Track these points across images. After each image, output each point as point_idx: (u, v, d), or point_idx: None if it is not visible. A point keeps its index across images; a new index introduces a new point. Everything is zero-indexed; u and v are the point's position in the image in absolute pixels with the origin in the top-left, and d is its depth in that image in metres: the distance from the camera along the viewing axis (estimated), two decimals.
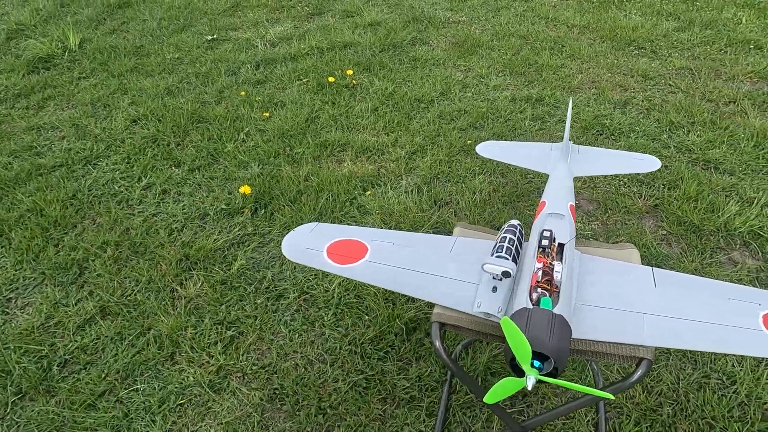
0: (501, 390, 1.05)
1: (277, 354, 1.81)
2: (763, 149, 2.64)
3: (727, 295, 1.17)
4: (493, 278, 1.20)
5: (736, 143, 2.69)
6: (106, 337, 1.89)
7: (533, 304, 1.10)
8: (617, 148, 2.71)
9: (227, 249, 2.23)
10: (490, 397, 1.06)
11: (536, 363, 1.02)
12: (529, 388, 0.99)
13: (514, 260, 1.20)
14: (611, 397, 0.99)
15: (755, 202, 2.30)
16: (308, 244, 1.37)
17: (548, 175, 1.57)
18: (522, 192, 2.47)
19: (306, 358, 1.79)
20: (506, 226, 1.31)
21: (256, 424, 1.61)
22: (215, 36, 4.27)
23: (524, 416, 1.60)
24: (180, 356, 1.82)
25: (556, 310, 1.08)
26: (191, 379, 1.74)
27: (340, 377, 1.72)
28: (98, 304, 2.00)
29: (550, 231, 1.27)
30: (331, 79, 3.46)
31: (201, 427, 1.61)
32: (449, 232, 2.21)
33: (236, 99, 3.33)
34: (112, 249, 2.24)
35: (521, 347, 0.99)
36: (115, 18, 4.79)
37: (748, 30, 3.84)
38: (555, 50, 3.77)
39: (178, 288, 2.06)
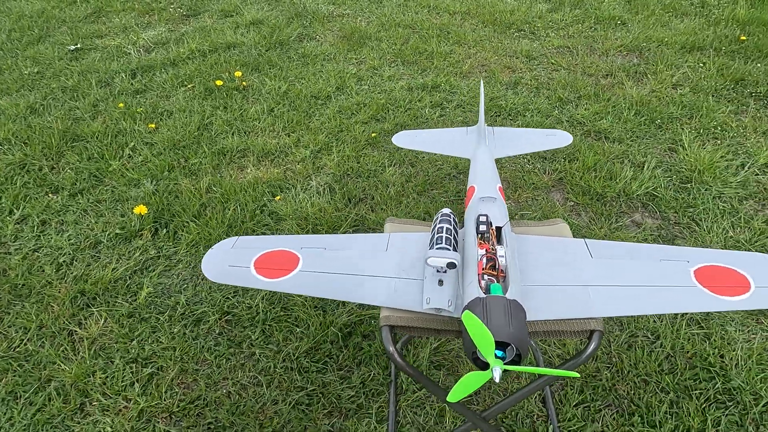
0: (465, 386, 1.00)
1: (205, 384, 1.64)
2: (643, 116, 2.84)
3: (658, 257, 1.21)
4: (438, 271, 1.15)
5: (619, 113, 2.87)
6: None
7: (484, 292, 1.07)
8: (516, 127, 2.78)
9: (129, 277, 2.00)
10: (453, 396, 1.01)
11: (499, 353, 0.99)
12: (497, 380, 0.95)
13: (455, 250, 1.16)
14: (576, 375, 0.97)
15: (645, 165, 2.47)
16: (232, 261, 1.24)
17: (470, 159, 1.55)
18: (433, 180, 2.46)
19: (238, 383, 1.65)
20: (439, 215, 1.27)
21: None
22: (79, 45, 3.87)
23: (475, 405, 1.58)
24: (91, 406, 1.60)
25: (508, 296, 1.05)
26: (109, 429, 1.53)
27: (279, 398, 1.60)
28: None
29: (486, 215, 1.24)
30: (219, 82, 3.25)
31: None
32: (373, 230, 2.16)
33: (114, 112, 3.03)
34: None
35: (484, 339, 0.94)
36: None
37: (611, 8, 4.13)
38: (442, 37, 3.82)
39: (77, 329, 1.82)
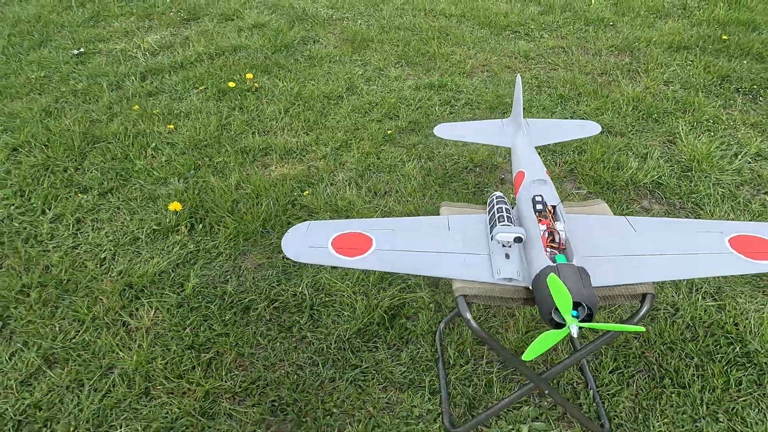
0: (541, 344, 1.12)
1: (263, 366, 1.73)
2: (640, 111, 3.02)
3: (694, 229, 1.36)
4: (504, 246, 1.27)
5: (618, 108, 3.05)
6: (60, 387, 1.68)
7: (552, 262, 1.19)
8: None
9: (173, 270, 2.08)
10: (529, 354, 1.13)
11: (574, 312, 1.11)
12: (575, 335, 1.07)
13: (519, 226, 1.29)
14: (641, 329, 1.11)
15: (648, 156, 2.64)
16: (310, 243, 1.34)
17: (511, 148, 1.69)
18: (452, 173, 2.59)
19: (294, 364, 1.74)
20: (494, 198, 1.40)
21: None
22: (83, 49, 3.90)
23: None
24: (155, 390, 1.67)
25: (575, 263, 1.17)
26: (177, 410, 1.61)
27: (336, 376, 1.70)
28: (39, 354, 1.77)
29: (541, 195, 1.37)
30: (231, 84, 3.33)
31: None
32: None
33: (131, 114, 3.08)
34: (37, 292, 1.98)
35: (564, 299, 1.07)
36: None
37: (599, 10, 4.33)
38: (441, 39, 3.97)
39: (130, 320, 1.89)
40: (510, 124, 1.81)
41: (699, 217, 2.29)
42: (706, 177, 2.50)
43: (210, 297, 1.97)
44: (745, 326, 1.81)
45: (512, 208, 1.42)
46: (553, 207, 1.36)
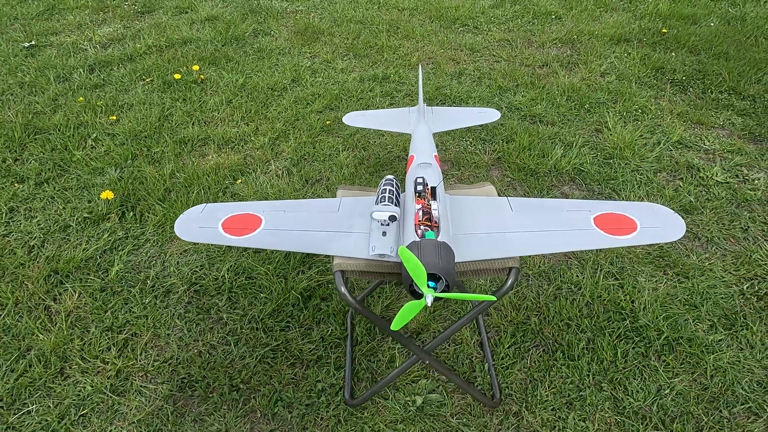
0: (404, 315, 1.20)
1: (177, 346, 1.80)
2: (573, 102, 3.12)
3: (565, 208, 1.45)
4: (381, 224, 1.35)
5: (552, 99, 3.15)
6: None
7: (420, 238, 1.27)
8: None
9: (100, 256, 2.13)
10: (396, 324, 1.21)
11: (431, 284, 1.19)
12: (429, 305, 1.15)
13: (397, 206, 1.36)
14: (493, 298, 1.19)
15: (573, 144, 2.74)
16: (202, 223, 1.41)
17: (411, 134, 1.76)
18: (384, 161, 2.67)
19: (208, 344, 1.81)
20: (383, 180, 1.47)
21: (170, 414, 1.61)
22: (33, 42, 3.91)
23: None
24: (71, 369, 1.73)
25: (439, 239, 1.26)
26: (89, 388, 1.67)
27: (246, 354, 1.77)
28: None
29: (423, 177, 1.45)
30: (177, 76, 3.37)
31: (110, 430, 1.57)
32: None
33: (74, 106, 3.11)
34: None
35: (418, 271, 1.15)
36: None
37: (548, 3, 4.43)
38: (391, 32, 4.04)
39: (53, 304, 1.94)
40: (414, 112, 1.89)
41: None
42: (626, 164, 2.60)
43: (133, 281, 2.03)
44: (639, 303, 1.91)
45: (403, 192, 1.50)
46: (433, 188, 1.44)
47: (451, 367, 1.73)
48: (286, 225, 1.41)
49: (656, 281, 2.01)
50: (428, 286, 1.19)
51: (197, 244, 2.18)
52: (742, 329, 1.83)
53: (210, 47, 3.79)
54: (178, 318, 1.90)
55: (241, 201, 2.36)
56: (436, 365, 1.49)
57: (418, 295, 1.20)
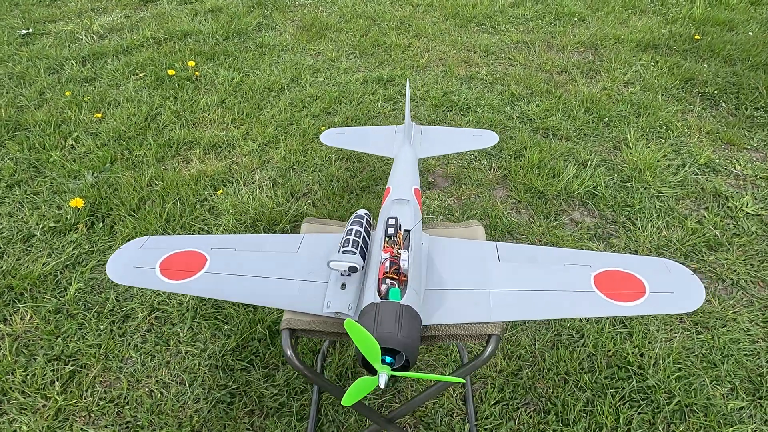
0: (357, 390, 1.00)
1: (127, 383, 1.63)
2: (592, 114, 2.86)
3: (563, 261, 1.22)
4: (341, 274, 1.15)
5: (569, 110, 2.89)
6: None
7: (382, 297, 1.07)
8: (465, 123, 2.79)
9: (60, 272, 1.97)
10: (347, 399, 1.01)
11: (387, 359, 0.99)
12: (382, 386, 0.95)
13: (362, 253, 1.16)
14: (462, 380, 0.98)
15: (588, 164, 2.49)
16: (138, 263, 1.22)
17: (393, 159, 1.55)
18: (379, 175, 2.46)
19: (161, 381, 1.64)
20: (353, 217, 1.26)
21: None
22: (31, 30, 3.77)
23: (388, 408, 1.59)
24: (9, 404, 1.57)
25: (404, 301, 1.05)
26: (24, 428, 1.51)
27: (201, 396, 1.59)
28: None
29: (395, 218, 1.23)
30: (171, 72, 3.20)
31: None
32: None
33: (60, 100, 2.96)
34: None
35: (369, 346, 0.94)
36: None
37: (572, 4, 4.15)
38: (402, 30, 3.81)
39: (1, 325, 1.79)
40: (400, 132, 1.67)
41: (629, 232, 2.14)
42: (645, 189, 2.35)
43: (91, 303, 1.86)
44: (650, 357, 1.68)
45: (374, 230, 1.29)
46: (407, 231, 1.23)
47: (420, 423, 1.53)
48: (232, 268, 1.22)
49: (671, 331, 1.77)
50: (384, 362, 0.99)
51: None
52: None
53: (210, 41, 3.61)
54: (133, 349, 1.72)
55: (218, 215, 2.18)
56: None
57: (374, 370, 1.00)
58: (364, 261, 1.15)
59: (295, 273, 1.21)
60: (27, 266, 1.99)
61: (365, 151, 1.69)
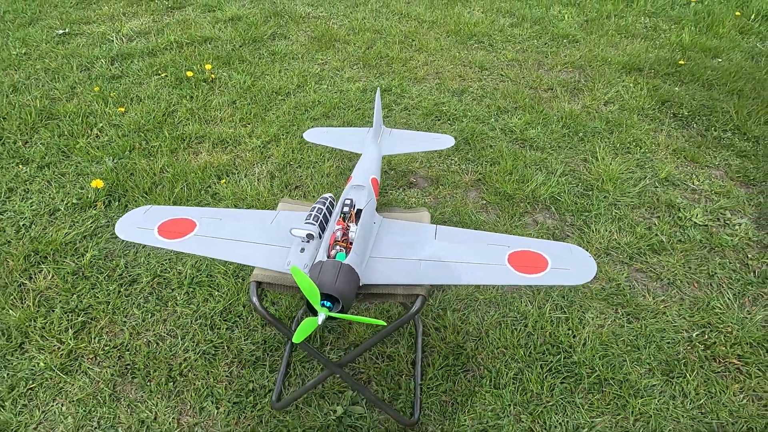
0: (303, 329, 1.26)
1: (129, 334, 1.92)
2: (569, 129, 3.11)
3: (486, 242, 1.48)
4: (302, 241, 1.42)
5: (548, 124, 3.14)
6: None
7: (329, 257, 1.34)
8: (450, 131, 3.05)
9: (79, 241, 2.28)
10: (296, 337, 1.27)
11: (326, 303, 1.26)
12: (319, 323, 1.22)
13: (321, 226, 1.43)
14: (383, 323, 1.24)
15: (556, 172, 2.74)
16: (141, 224, 1.51)
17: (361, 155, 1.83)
18: None
19: (158, 335, 1.92)
20: (319, 198, 1.54)
21: (107, 397, 1.72)
22: (67, 30, 4.14)
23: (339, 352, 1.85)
24: (30, 345, 1.87)
25: (346, 261, 1.32)
26: (42, 365, 1.80)
27: (190, 348, 1.87)
28: None
29: (351, 199, 1.51)
30: (189, 73, 3.52)
31: (52, 406, 1.70)
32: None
33: (89, 95, 3.30)
34: None
35: (311, 290, 1.21)
36: None
37: (568, 26, 4.40)
38: (405, 44, 4.09)
39: (27, 282, 2.09)
40: (370, 133, 1.95)
41: (583, 234, 2.38)
42: (604, 197, 2.59)
43: (103, 268, 2.16)
44: (580, 338, 1.92)
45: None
46: (359, 210, 1.50)
47: (372, 380, 1.78)
48: (216, 233, 1.50)
49: (604, 318, 2.01)
50: (323, 305, 1.26)
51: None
52: (680, 377, 1.81)
53: (228, 47, 3.94)
54: (136, 307, 2.02)
55: (219, 200, 2.47)
56: (348, 379, 1.54)
57: (316, 312, 1.27)
58: (322, 232, 1.42)
59: (266, 239, 1.48)
60: (51, 235, 2.29)
61: (341, 148, 1.97)
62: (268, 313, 1.39)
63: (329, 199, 1.52)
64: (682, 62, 3.82)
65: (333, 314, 1.24)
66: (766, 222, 2.47)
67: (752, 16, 4.53)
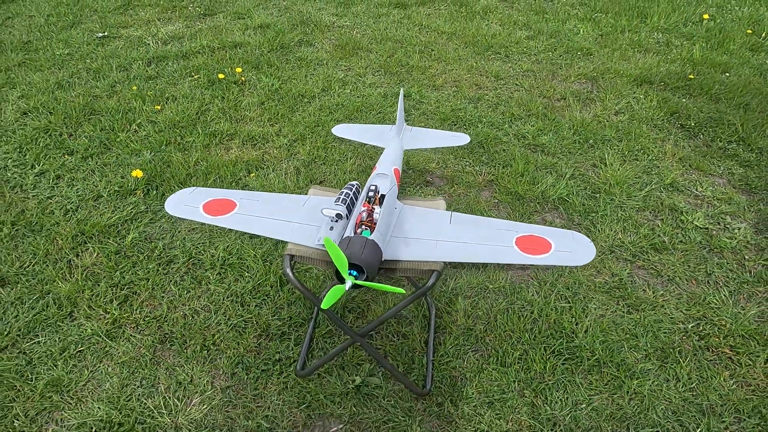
0: (331, 296, 1.43)
1: (167, 307, 2.10)
2: (579, 136, 3.26)
3: (497, 227, 1.65)
4: (331, 220, 1.60)
5: (560, 131, 3.30)
6: (6, 302, 2.09)
7: (356, 233, 1.51)
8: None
9: (121, 225, 2.48)
10: (325, 303, 1.44)
11: (353, 272, 1.43)
12: (347, 288, 1.39)
13: (349, 208, 1.61)
14: (402, 291, 1.40)
15: (566, 175, 2.89)
16: (187, 202, 1.70)
17: (384, 148, 2.00)
18: None
19: (193, 309, 2.10)
20: (347, 185, 1.72)
21: (148, 361, 1.90)
22: (106, 33, 4.39)
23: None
24: (78, 313, 2.06)
25: (371, 237, 1.49)
26: (89, 330, 1.99)
27: (222, 321, 2.05)
28: None
29: (375, 185, 1.68)
30: (221, 75, 3.74)
31: (99, 366, 1.88)
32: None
33: (128, 93, 3.53)
34: (8, 228, 2.41)
35: (340, 259, 1.39)
36: None
37: (583, 39, 4.56)
38: (425, 54, 4.28)
39: (75, 259, 2.29)
40: (393, 130, 2.13)
41: (589, 233, 2.53)
42: (611, 200, 2.73)
43: (143, 249, 2.35)
44: (582, 325, 2.06)
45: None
46: (383, 195, 1.67)
47: (388, 355, 1.94)
48: (255, 212, 1.68)
49: (605, 309, 2.15)
50: (350, 274, 1.43)
51: (204, 224, 2.48)
52: (674, 363, 1.95)
53: (257, 52, 4.16)
54: (173, 284, 2.20)
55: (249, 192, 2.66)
56: (368, 348, 1.71)
57: (343, 280, 1.44)
58: (349, 213, 1.60)
59: (299, 219, 1.66)
60: (95, 218, 2.50)
61: (366, 142, 2.15)
62: (300, 283, 1.56)
63: (356, 185, 1.70)
64: (692, 76, 3.96)
65: (359, 282, 1.41)
66: (765, 227, 2.60)
67: (763, 35, 4.66)
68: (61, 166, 2.84)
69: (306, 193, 1.82)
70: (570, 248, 1.56)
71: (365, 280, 1.44)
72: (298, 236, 1.60)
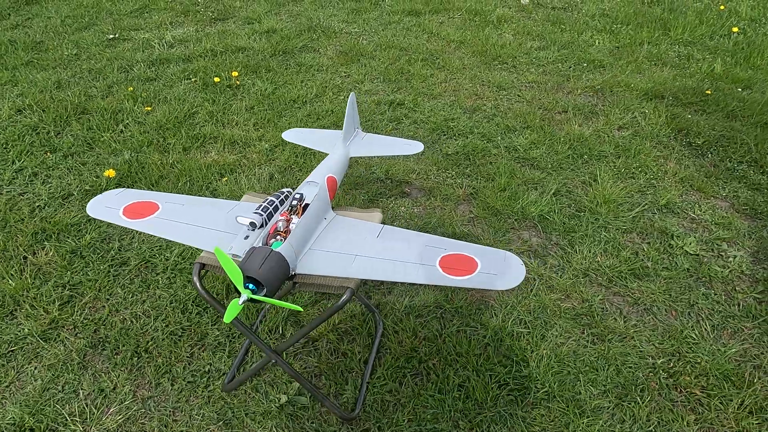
0: (231, 309, 1.34)
1: (109, 310, 2.06)
2: (574, 151, 3.09)
3: (426, 244, 1.52)
4: (247, 229, 1.51)
5: (554, 145, 3.13)
6: None
7: (264, 245, 1.42)
8: (453, 146, 3.09)
9: (83, 224, 2.46)
10: (226, 317, 1.36)
11: (250, 286, 1.33)
12: (240, 304, 1.29)
13: (269, 216, 1.52)
14: (299, 308, 1.30)
15: (549, 191, 2.72)
16: (109, 204, 1.64)
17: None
18: (362, 182, 2.81)
19: (134, 313, 2.05)
20: (277, 191, 1.63)
21: (76, 365, 1.85)
22: (117, 35, 4.47)
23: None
24: (19, 312, 2.04)
25: (278, 250, 1.39)
26: (26, 330, 1.96)
27: (160, 328, 1.99)
28: None
29: (301, 194, 1.59)
30: (217, 79, 3.73)
31: (27, 368, 1.85)
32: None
33: (123, 94, 3.55)
34: None
35: (234, 272, 1.29)
36: (21, 14, 4.92)
37: (597, 51, 4.36)
38: (429, 62, 4.17)
39: (30, 257, 2.28)
40: (340, 136, 2.03)
41: (566, 254, 2.36)
42: (595, 220, 2.55)
43: (99, 249, 2.33)
44: (537, 354, 1.91)
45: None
46: (306, 205, 1.57)
47: (323, 374, 1.84)
48: (175, 217, 1.61)
49: (567, 337, 1.98)
50: (247, 287, 1.33)
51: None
52: (633, 402, 1.77)
53: (258, 57, 4.14)
54: (120, 287, 2.16)
55: (216, 196, 2.61)
56: (283, 365, 1.61)
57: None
58: (269, 222, 1.51)
59: (219, 226, 1.58)
60: (59, 216, 2.49)
61: (311, 147, 2.06)
62: (207, 292, 1.48)
63: (285, 192, 1.61)
64: (709, 92, 3.71)
65: (255, 297, 1.32)
66: (766, 256, 2.38)
67: None
68: (41, 164, 2.86)
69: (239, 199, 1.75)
70: (497, 270, 1.42)
71: (266, 296, 1.35)
72: (213, 244, 1.52)
